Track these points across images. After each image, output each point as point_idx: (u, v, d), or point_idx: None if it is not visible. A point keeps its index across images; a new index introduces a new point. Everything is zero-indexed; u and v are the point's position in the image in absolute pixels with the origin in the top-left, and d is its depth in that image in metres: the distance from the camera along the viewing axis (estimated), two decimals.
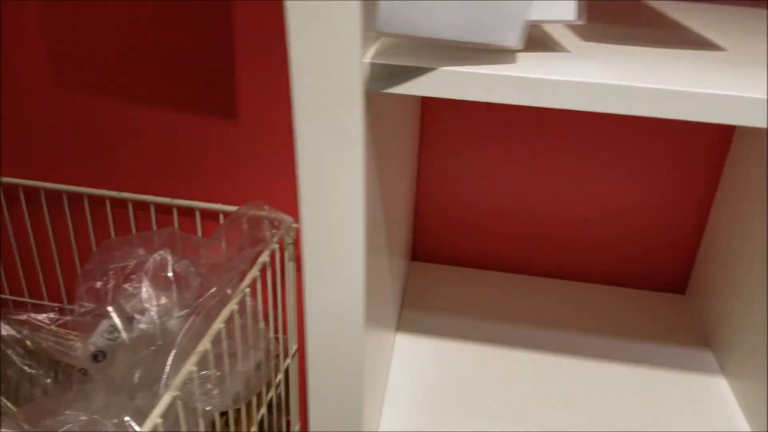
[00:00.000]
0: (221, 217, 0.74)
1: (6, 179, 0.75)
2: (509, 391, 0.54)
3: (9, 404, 0.82)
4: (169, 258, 0.56)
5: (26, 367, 0.80)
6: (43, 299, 0.85)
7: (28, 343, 0.80)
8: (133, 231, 0.77)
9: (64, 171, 0.76)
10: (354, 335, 0.33)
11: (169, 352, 0.55)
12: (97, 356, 0.58)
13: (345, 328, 0.33)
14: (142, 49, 0.67)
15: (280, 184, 0.72)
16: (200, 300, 0.52)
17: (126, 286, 0.57)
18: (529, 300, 0.66)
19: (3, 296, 0.85)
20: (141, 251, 0.59)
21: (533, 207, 0.68)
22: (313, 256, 0.32)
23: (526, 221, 0.69)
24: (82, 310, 0.57)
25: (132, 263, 0.57)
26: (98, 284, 0.57)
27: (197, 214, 0.74)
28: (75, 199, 0.77)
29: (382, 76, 0.28)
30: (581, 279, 0.71)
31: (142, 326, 0.57)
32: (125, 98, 0.70)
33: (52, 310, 0.85)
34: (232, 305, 0.55)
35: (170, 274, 0.55)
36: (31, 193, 0.78)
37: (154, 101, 0.70)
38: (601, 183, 0.66)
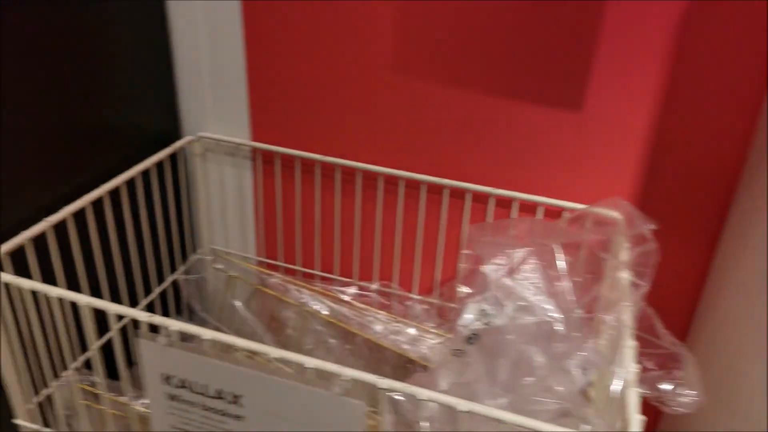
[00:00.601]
0: (538, 211, 0.75)
1: (321, 156, 0.79)
2: None
3: None
4: (558, 250, 0.57)
5: (326, 337, 0.84)
6: (332, 273, 0.89)
7: (327, 314, 0.85)
8: (443, 219, 0.79)
9: (376, 152, 0.79)
10: None
11: (551, 343, 0.56)
12: (471, 338, 0.60)
13: None
14: (492, 36, 0.69)
15: (610, 181, 0.72)
16: (613, 296, 0.52)
17: (505, 271, 0.59)
18: None
19: (294, 267, 0.90)
20: (510, 239, 0.61)
21: None
22: None
23: None
24: (463, 293, 0.59)
25: (516, 252, 0.58)
26: (479, 267, 0.59)
27: (515, 205, 0.75)
28: (389, 182, 0.80)
29: None
30: None
31: (516, 313, 0.58)
32: (465, 85, 0.72)
33: (344, 284, 0.89)
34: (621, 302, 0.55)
35: (560, 263, 0.57)
36: (346, 173, 0.81)
37: (490, 89, 0.71)
38: None
